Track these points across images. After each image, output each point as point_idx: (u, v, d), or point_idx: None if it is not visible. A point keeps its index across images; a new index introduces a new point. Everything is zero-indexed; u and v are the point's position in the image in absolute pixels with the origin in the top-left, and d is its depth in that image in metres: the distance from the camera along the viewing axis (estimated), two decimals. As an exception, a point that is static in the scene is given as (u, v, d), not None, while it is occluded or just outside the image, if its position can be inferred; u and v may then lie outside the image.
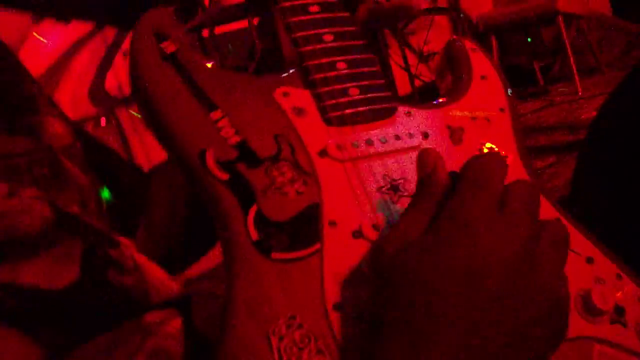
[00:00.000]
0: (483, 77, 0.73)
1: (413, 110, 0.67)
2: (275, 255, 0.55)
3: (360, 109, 0.64)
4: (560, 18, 4.19)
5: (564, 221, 0.60)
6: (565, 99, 4.05)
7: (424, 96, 3.69)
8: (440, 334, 0.47)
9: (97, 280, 0.58)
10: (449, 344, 0.46)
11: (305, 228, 0.57)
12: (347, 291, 0.54)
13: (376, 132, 0.64)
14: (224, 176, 0.57)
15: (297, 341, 0.51)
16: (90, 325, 0.57)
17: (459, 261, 0.48)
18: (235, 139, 0.59)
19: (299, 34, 0.67)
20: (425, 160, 0.55)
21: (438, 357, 0.46)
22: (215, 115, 0.60)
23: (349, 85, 0.65)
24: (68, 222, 0.58)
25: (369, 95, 0.65)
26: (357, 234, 0.57)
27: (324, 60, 0.66)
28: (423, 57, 4.43)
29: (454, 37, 0.76)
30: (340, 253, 0.56)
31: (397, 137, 0.64)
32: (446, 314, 0.47)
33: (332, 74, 0.65)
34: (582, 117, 3.43)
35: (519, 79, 4.54)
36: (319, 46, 0.67)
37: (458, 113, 0.70)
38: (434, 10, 4.27)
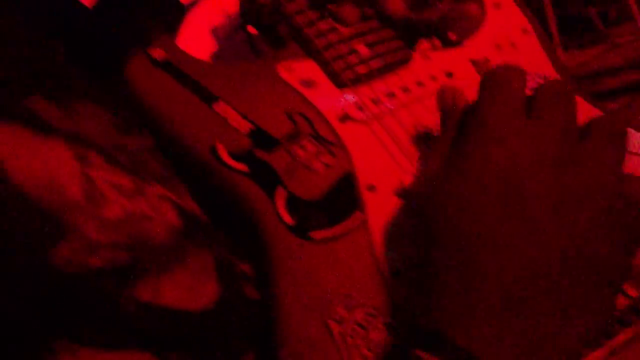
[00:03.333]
0: (496, 5, 0.67)
1: (430, 53, 0.62)
2: (316, 234, 0.49)
3: (373, 64, 0.59)
4: None
5: None
6: (629, 38, 3.87)
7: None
8: (488, 262, 0.40)
9: (236, 297, 0.51)
10: (500, 271, 0.40)
11: (342, 200, 0.51)
12: (402, 254, 0.48)
13: (395, 83, 0.58)
14: (243, 167, 0.52)
15: (361, 322, 0.46)
16: (228, 348, 0.51)
17: (490, 173, 0.42)
18: (246, 126, 0.54)
19: (292, 7, 0.62)
20: (443, 96, 0.49)
21: (492, 289, 0.40)
22: (219, 106, 0.55)
23: (354, 44, 0.60)
24: (195, 228, 0.52)
25: (378, 49, 0.60)
26: (401, 191, 0.51)
27: (322, 26, 0.61)
28: None
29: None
30: (386, 216, 0.50)
31: (420, 84, 0.59)
32: (489, 240, 0.41)
33: (334, 37, 0.60)
34: (651, 52, 3.28)
35: (576, 28, 4.40)
36: (314, 14, 0.62)
37: (479, 45, 0.64)
38: None
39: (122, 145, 0.55)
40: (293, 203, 0.51)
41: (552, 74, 0.62)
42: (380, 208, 0.51)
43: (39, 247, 0.44)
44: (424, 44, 0.63)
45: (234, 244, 0.54)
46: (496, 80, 0.46)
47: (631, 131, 0.51)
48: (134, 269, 0.46)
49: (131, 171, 0.52)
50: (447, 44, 0.63)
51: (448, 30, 0.64)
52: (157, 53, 0.59)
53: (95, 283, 0.45)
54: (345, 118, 0.55)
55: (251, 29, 0.66)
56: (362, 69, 0.58)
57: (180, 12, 0.71)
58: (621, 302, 0.48)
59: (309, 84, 0.58)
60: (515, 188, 0.41)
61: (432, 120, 0.56)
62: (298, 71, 0.58)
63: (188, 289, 0.48)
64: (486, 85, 0.46)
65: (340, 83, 0.58)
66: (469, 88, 0.57)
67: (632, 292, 0.49)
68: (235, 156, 0.53)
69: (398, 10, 0.61)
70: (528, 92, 0.46)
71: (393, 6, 0.61)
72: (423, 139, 0.55)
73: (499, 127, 0.43)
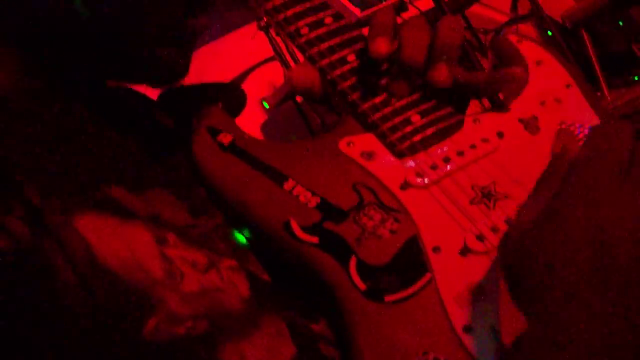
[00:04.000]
0: (538, 62, 0.71)
1: (481, 117, 0.66)
2: (389, 298, 0.53)
3: (428, 132, 0.63)
4: None
5: None
6: None
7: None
8: (571, 313, 0.43)
9: (312, 355, 0.55)
10: (584, 334, 0.42)
11: (410, 263, 0.55)
12: (472, 310, 0.52)
13: (450, 148, 0.62)
14: (314, 239, 0.56)
15: None
16: None
17: (582, 231, 0.44)
18: (315, 201, 0.58)
19: (345, 84, 0.66)
20: (555, 144, 0.53)
21: (576, 346, 0.42)
22: (288, 185, 0.59)
23: (408, 114, 0.64)
24: (265, 296, 0.56)
25: (431, 117, 0.64)
26: (464, 251, 0.55)
27: (377, 100, 0.65)
28: None
29: (500, 35, 0.74)
30: (453, 275, 0.54)
31: (473, 146, 0.62)
32: (574, 293, 0.43)
33: (389, 109, 0.65)
34: (700, 83, 3.22)
35: (621, 67, 4.33)
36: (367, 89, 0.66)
37: (526, 104, 0.67)
38: (515, 20, 4.13)
39: (194, 225, 0.59)
40: (365, 269, 0.55)
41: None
42: (447, 268, 0.54)
43: (133, 321, 0.49)
44: (473, 108, 0.66)
45: (304, 307, 0.58)
46: (599, 139, 0.48)
47: None
48: (215, 335, 0.51)
49: (204, 247, 0.57)
50: (497, 105, 0.67)
51: (496, 92, 0.68)
52: (225, 138, 0.63)
53: (183, 350, 0.50)
54: (406, 185, 0.59)
55: (298, 98, 0.70)
56: (417, 138, 0.62)
57: (243, 98, 0.76)
58: None
59: (369, 156, 0.62)
60: (603, 249, 0.43)
61: (488, 179, 0.60)
62: (358, 145, 0.63)
63: (267, 350, 0.52)
64: (589, 143, 0.48)
65: (398, 153, 0.62)
66: (519, 146, 0.61)
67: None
68: (306, 229, 0.57)
69: (444, 80, 0.65)
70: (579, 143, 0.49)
71: (439, 77, 0.65)
72: (483, 199, 0.58)
73: (589, 186, 0.45)
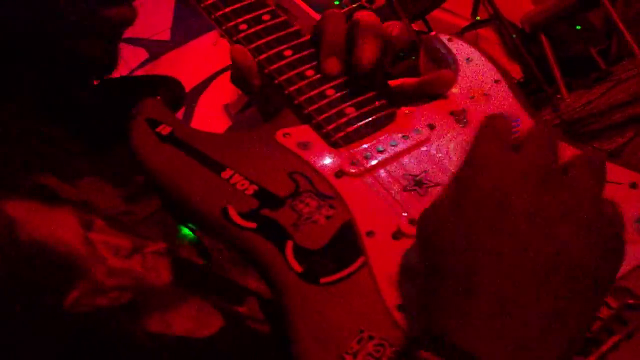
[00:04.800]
0: (468, 60, 0.74)
1: (413, 109, 0.68)
2: (324, 279, 0.54)
3: (361, 123, 0.65)
4: None
5: None
6: (631, 73, 3.84)
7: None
8: (483, 272, 0.46)
9: (240, 328, 0.58)
10: (493, 280, 0.46)
11: (345, 246, 0.57)
12: (404, 289, 0.54)
13: (384, 139, 0.64)
14: (252, 225, 0.58)
15: (372, 352, 0.51)
16: None
17: (480, 196, 0.48)
18: (253, 189, 0.60)
19: (281, 78, 0.68)
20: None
21: (487, 297, 0.46)
22: (226, 174, 0.61)
23: (342, 106, 0.66)
24: (188, 280, 0.59)
25: (365, 109, 0.66)
26: (397, 234, 0.57)
27: (312, 93, 0.67)
28: None
29: (431, 34, 0.77)
30: (386, 257, 0.56)
31: (405, 137, 0.65)
32: (481, 252, 0.47)
33: (324, 102, 0.66)
34: (653, 85, 3.30)
35: (579, 69, 4.43)
36: (303, 83, 0.68)
37: (456, 98, 0.70)
38: (474, 24, 4.18)
39: (128, 212, 0.62)
40: (301, 253, 0.56)
41: (524, 117, 0.69)
42: (380, 251, 0.56)
43: (52, 293, 0.52)
44: (406, 101, 0.69)
45: (231, 293, 0.60)
46: (483, 125, 0.53)
47: None
48: (140, 306, 0.54)
49: (132, 232, 0.59)
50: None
51: (426, 95, 0.71)
52: (164, 129, 0.64)
53: (107, 319, 0.52)
54: (340, 174, 0.61)
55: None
56: (351, 129, 0.64)
57: (182, 92, 0.77)
58: (605, 312, 0.53)
59: (305, 146, 0.64)
60: (502, 207, 0.48)
61: (419, 168, 0.62)
62: (294, 136, 0.64)
63: (194, 320, 0.55)
64: (479, 131, 0.53)
65: (333, 143, 0.64)
66: (450, 137, 0.64)
67: (614, 304, 0.54)
68: (244, 215, 0.58)
69: (370, 58, 0.67)
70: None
71: (364, 56, 0.67)
72: (415, 187, 0.61)
73: (485, 160, 0.50)
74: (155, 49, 3.84)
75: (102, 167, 0.65)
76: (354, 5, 3.14)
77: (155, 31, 3.77)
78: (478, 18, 4.13)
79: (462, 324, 0.45)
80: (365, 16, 0.68)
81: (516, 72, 4.19)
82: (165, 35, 3.86)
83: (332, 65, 0.68)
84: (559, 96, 4.07)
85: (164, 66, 3.78)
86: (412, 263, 0.54)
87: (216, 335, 0.55)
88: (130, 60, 3.67)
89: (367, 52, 0.67)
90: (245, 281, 0.61)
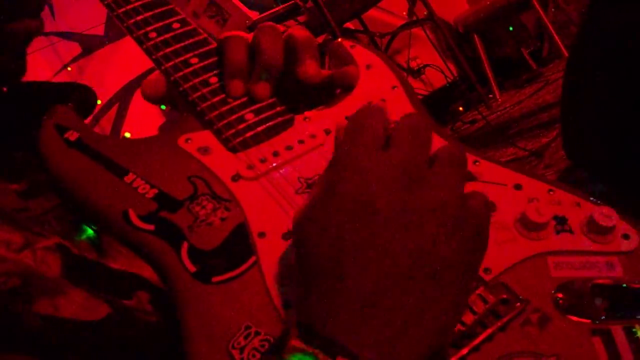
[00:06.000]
0: (368, 66, 0.77)
1: (310, 114, 0.71)
2: (216, 278, 0.58)
3: (259, 129, 0.68)
4: (534, 0, 4.05)
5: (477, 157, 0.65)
6: (559, 75, 3.79)
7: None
8: (347, 267, 0.49)
9: (126, 316, 0.61)
10: (357, 274, 0.49)
11: (237, 247, 0.60)
12: (291, 287, 0.57)
13: (280, 144, 0.67)
14: (150, 227, 0.60)
15: (258, 347, 0.54)
16: (117, 357, 0.61)
17: (345, 194, 0.51)
18: (153, 192, 0.63)
19: (185, 85, 0.71)
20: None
21: (351, 289, 0.49)
22: (129, 177, 0.63)
23: (242, 112, 0.69)
24: (77, 275, 0.62)
25: (263, 115, 0.70)
26: (287, 235, 0.60)
27: (214, 100, 0.70)
28: (414, 73, 4.41)
29: (335, 41, 0.80)
30: (276, 257, 0.59)
31: (301, 142, 0.68)
32: (347, 248, 0.50)
33: (225, 108, 0.69)
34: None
35: (511, 70, 4.50)
36: (206, 90, 0.71)
37: (353, 103, 0.73)
38: (409, 24, 4.16)
39: (24, 208, 0.65)
40: (195, 253, 0.59)
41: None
42: (270, 251, 0.59)
43: None
44: (303, 107, 0.72)
45: (118, 288, 0.64)
46: (353, 120, 0.56)
47: None
48: (28, 290, 0.57)
49: (24, 228, 0.62)
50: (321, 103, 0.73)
51: (334, 89, 0.74)
52: (72, 135, 0.67)
53: None
54: (237, 177, 0.64)
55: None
56: (249, 134, 0.68)
57: (93, 98, 0.79)
58: (480, 307, 0.57)
59: (205, 150, 0.67)
60: (367, 205, 0.51)
61: (312, 171, 0.65)
62: (195, 141, 0.67)
63: (83, 306, 0.59)
64: (347, 126, 0.56)
65: (231, 148, 0.67)
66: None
67: (490, 299, 0.58)
68: (143, 218, 0.61)
69: (314, 74, 0.71)
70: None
71: (309, 71, 0.71)
72: (307, 189, 0.64)
73: (352, 157, 0.53)
74: (89, 44, 3.80)
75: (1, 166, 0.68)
76: (288, 3, 3.18)
77: (89, 25, 3.73)
78: (414, 18, 4.18)
79: (328, 315, 0.49)
80: (300, 32, 0.72)
81: (451, 71, 4.27)
82: (100, 30, 3.82)
83: (236, 87, 0.71)
84: (491, 96, 4.17)
85: (97, 61, 3.76)
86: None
87: (104, 320, 0.58)
88: (63, 55, 3.64)
89: (312, 67, 0.71)
90: (141, 270, 0.64)
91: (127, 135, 3.66)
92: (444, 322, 0.51)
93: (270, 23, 0.75)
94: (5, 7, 0.67)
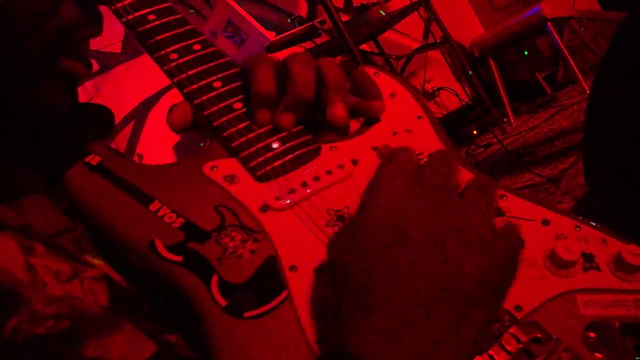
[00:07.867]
0: (392, 95, 0.76)
1: (337, 144, 0.70)
2: (248, 314, 0.56)
3: (286, 158, 0.67)
4: (550, 25, 4.10)
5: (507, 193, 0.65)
6: (574, 100, 3.94)
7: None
8: (380, 291, 0.50)
9: (170, 354, 0.60)
10: (388, 294, 0.50)
11: (268, 281, 0.59)
12: (326, 323, 0.55)
13: (308, 174, 0.66)
14: (178, 258, 0.59)
15: None
16: None
17: (379, 220, 0.53)
18: (179, 221, 0.61)
19: (209, 110, 0.70)
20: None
21: (383, 313, 0.50)
22: (154, 206, 0.62)
23: (269, 140, 0.68)
24: (124, 307, 0.61)
25: (290, 143, 0.68)
26: (320, 269, 0.59)
27: (240, 126, 0.69)
28: (429, 95, 4.44)
29: (358, 68, 0.79)
30: (308, 291, 0.58)
31: (329, 172, 0.67)
32: (379, 272, 0.51)
33: (251, 135, 0.68)
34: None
35: (526, 94, 4.51)
36: (231, 115, 0.70)
37: (379, 133, 0.72)
38: (425, 47, 4.22)
39: (70, 228, 0.63)
40: (225, 287, 0.58)
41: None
42: (302, 285, 0.58)
43: None
44: (331, 137, 0.71)
45: (161, 320, 0.62)
46: (386, 157, 0.58)
47: None
48: (77, 333, 0.55)
49: (71, 257, 0.61)
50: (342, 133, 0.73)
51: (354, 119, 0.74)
52: (93, 159, 0.66)
53: (45, 348, 0.54)
54: (265, 208, 0.63)
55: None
56: (277, 163, 0.66)
57: (111, 119, 0.79)
58: (513, 346, 0.56)
59: (231, 179, 0.65)
60: (396, 229, 0.52)
61: (341, 203, 0.64)
62: (221, 169, 0.66)
63: (129, 345, 0.57)
64: (380, 163, 0.58)
65: (258, 177, 0.66)
66: (372, 173, 0.66)
67: (523, 338, 0.57)
68: (171, 248, 0.60)
69: (342, 116, 0.70)
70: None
71: (337, 114, 0.70)
72: (337, 222, 0.63)
73: (385, 187, 0.55)
74: (106, 61, 3.82)
75: (42, 182, 0.67)
76: (306, 25, 3.18)
77: (107, 43, 3.75)
78: (430, 40, 4.19)
79: (361, 339, 0.49)
80: (333, 70, 0.71)
81: (467, 93, 4.27)
82: (117, 48, 3.84)
83: (263, 116, 0.70)
84: (505, 120, 4.15)
85: (114, 78, 3.77)
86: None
87: (151, 359, 0.57)
88: (80, 72, 3.64)
89: (340, 111, 0.70)
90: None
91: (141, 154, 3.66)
92: (471, 342, 0.51)
93: (303, 51, 0.75)
94: (64, 42, 0.67)
